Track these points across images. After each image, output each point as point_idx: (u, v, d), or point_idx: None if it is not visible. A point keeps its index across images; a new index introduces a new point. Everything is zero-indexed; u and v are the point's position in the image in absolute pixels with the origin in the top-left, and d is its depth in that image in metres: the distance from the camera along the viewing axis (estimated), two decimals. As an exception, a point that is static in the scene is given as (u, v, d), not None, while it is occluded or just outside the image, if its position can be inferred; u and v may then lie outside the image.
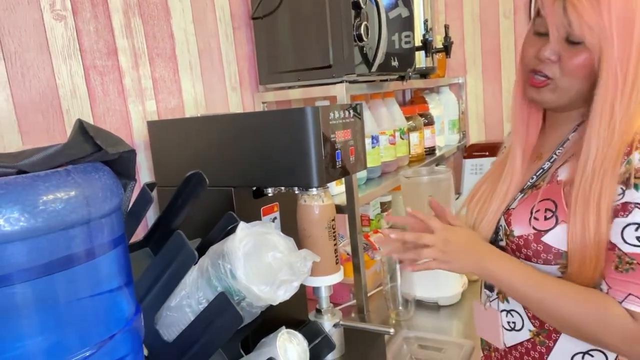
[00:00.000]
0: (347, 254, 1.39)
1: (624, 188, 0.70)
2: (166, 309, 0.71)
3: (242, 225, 0.68)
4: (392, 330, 0.90)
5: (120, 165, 0.55)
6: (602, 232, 0.71)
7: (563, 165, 0.80)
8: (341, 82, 1.22)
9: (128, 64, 1.01)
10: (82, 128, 0.51)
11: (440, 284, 1.33)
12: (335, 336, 0.94)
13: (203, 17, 1.19)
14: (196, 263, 0.70)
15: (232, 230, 0.73)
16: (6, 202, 0.40)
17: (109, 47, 0.97)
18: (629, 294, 0.68)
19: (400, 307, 1.29)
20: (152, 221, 0.82)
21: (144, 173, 1.05)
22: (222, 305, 0.64)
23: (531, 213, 0.79)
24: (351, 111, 0.92)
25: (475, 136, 2.37)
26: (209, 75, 1.21)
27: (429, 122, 1.85)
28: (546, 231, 0.76)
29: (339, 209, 1.23)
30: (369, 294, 1.35)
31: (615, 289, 0.70)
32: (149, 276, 0.69)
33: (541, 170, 0.83)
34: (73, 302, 0.47)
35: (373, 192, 1.36)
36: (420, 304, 1.35)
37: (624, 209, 0.70)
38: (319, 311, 0.94)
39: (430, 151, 1.86)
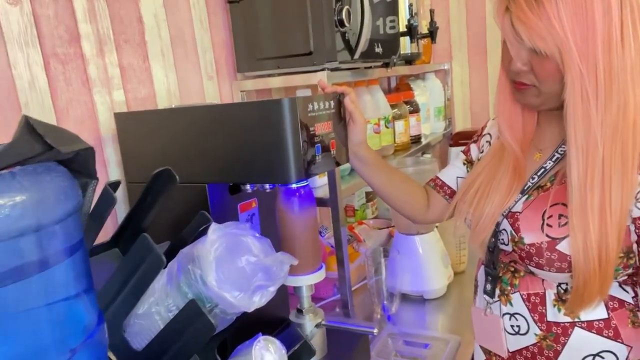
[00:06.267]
0: (331, 246, 1.35)
1: None
2: (134, 316, 0.66)
3: (213, 226, 0.64)
4: (375, 330, 0.87)
5: (79, 163, 0.50)
6: (608, 244, 0.67)
7: None
8: (322, 69, 1.17)
9: (92, 51, 0.94)
10: (28, 125, 0.46)
11: (426, 278, 1.31)
12: (318, 336, 0.90)
13: (174, 1, 1.12)
14: (166, 267, 0.65)
15: (206, 231, 0.69)
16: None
17: (71, 33, 0.90)
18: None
19: (385, 302, 1.26)
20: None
21: (113, 168, 0.99)
22: (193, 314, 0.60)
23: (543, 219, 0.74)
24: (332, 102, 0.87)
25: (461, 124, 2.34)
26: (182, 63, 1.15)
27: (415, 110, 1.81)
28: (562, 239, 0.71)
29: (322, 202, 1.18)
30: (353, 288, 1.32)
31: None
32: (116, 281, 0.65)
33: (543, 169, 0.78)
34: (25, 314, 0.43)
35: (358, 183, 1.31)
36: (406, 298, 1.32)
37: None
38: (300, 311, 0.90)
39: (416, 139, 1.82)
